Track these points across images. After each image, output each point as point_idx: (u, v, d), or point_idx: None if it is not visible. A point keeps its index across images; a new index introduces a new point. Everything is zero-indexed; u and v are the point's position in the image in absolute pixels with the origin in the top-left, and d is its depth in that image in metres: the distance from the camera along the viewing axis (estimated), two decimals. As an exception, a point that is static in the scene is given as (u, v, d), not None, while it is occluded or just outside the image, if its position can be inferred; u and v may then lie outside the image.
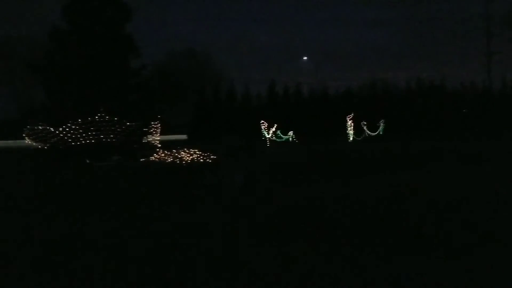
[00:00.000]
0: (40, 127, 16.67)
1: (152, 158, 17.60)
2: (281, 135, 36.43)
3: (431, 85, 50.43)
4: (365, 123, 38.97)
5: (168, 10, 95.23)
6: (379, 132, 39.70)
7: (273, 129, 35.29)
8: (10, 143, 36.16)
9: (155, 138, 19.31)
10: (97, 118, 16.18)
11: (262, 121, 34.72)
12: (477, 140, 28.09)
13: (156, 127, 18.83)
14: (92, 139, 16.34)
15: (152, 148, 18.78)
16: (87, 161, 16.30)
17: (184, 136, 43.26)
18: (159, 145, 19.21)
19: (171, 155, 17.59)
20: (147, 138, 18.94)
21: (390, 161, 16.48)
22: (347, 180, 11.29)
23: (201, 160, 16.63)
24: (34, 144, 17.36)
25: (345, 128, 37.05)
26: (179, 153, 17.80)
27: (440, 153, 19.36)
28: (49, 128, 16.38)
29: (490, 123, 41.00)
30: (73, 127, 16.09)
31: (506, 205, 7.92)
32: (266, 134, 34.65)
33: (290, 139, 36.58)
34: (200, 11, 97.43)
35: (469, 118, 44.97)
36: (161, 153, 18.10)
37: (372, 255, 5.05)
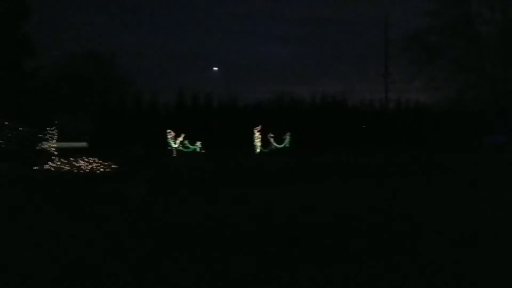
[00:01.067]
0: None
1: (46, 166, 16.49)
2: (188, 145, 36.09)
3: (334, 101, 53.14)
4: (272, 135, 39.92)
5: (74, 13, 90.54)
6: (285, 144, 40.90)
7: (180, 138, 34.87)
8: None
9: (51, 145, 18.16)
10: (-14, 123, 14.87)
11: (169, 130, 34.19)
12: (370, 155, 29.97)
13: (52, 133, 17.75)
14: (-22, 144, 14.95)
15: (47, 155, 17.64)
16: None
17: (84, 144, 41.06)
18: (56, 153, 18.09)
19: (68, 164, 16.64)
20: (42, 144, 17.78)
21: (290, 173, 17.05)
22: (248, 190, 11.44)
23: (101, 170, 15.91)
24: None
25: (253, 140, 37.71)
26: (77, 162, 16.89)
27: (337, 166, 20.41)
28: None
29: (386, 138, 44.09)
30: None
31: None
32: (173, 144, 34.15)
33: (198, 149, 36.36)
34: (107, 15, 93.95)
35: (368, 133, 48.00)
36: (57, 161, 17.06)
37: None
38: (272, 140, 39.75)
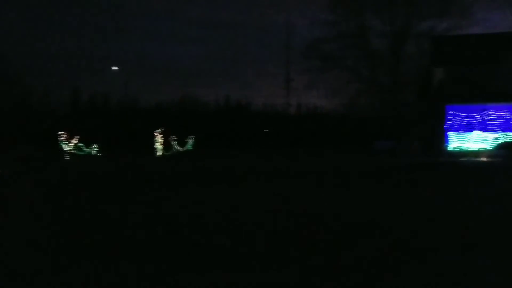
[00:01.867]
0: None
1: None
2: (83, 148, 34.06)
3: (238, 105, 53.78)
4: (174, 138, 39.12)
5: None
6: (188, 147, 40.33)
7: (75, 141, 32.80)
8: None
9: None
10: None
11: (61, 132, 31.98)
12: (270, 158, 30.55)
13: None
14: None
15: None
16: None
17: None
18: None
19: None
20: None
21: (186, 177, 16.68)
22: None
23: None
24: None
25: (153, 143, 36.63)
26: None
27: (233, 170, 20.41)
28: None
29: (287, 141, 45.46)
30: None
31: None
32: (66, 147, 31.99)
33: (93, 152, 34.45)
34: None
35: (270, 137, 49.13)
36: None
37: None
38: (174, 143, 38.97)
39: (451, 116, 31.01)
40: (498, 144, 29.23)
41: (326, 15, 40.38)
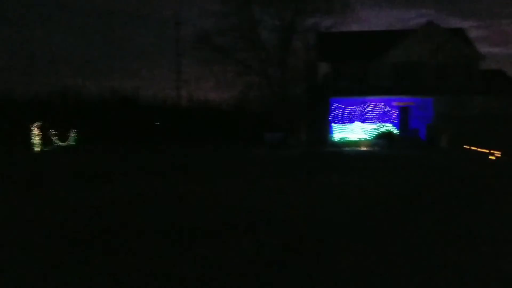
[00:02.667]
0: None
1: None
2: None
3: (125, 97, 51.31)
4: (55, 132, 36.11)
5: None
6: (70, 142, 37.55)
7: None
8: None
9: None
10: None
11: None
12: (162, 151, 29.65)
13: None
14: None
15: None
16: None
17: None
18: None
19: None
20: None
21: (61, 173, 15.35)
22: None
23: None
24: None
25: (30, 137, 33.40)
26: None
27: (115, 165, 19.34)
28: None
29: (179, 134, 44.48)
30: None
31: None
32: None
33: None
34: None
35: (161, 130, 47.68)
36: None
37: None
38: (54, 137, 35.95)
39: (334, 108, 32.79)
40: (375, 134, 31.58)
41: (216, 7, 40.08)
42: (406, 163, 19.99)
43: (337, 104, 32.86)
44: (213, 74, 40.79)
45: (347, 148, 29.67)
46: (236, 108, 49.61)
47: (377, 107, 32.88)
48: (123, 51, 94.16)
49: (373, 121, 32.54)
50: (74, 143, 37.51)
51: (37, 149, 33.08)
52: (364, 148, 29.69)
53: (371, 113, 32.84)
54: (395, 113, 32.94)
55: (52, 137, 35.48)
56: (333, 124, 32.55)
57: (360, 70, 34.45)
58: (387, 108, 32.88)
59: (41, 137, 33.93)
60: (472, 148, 26.65)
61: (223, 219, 8.39)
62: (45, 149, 33.71)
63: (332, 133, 32.40)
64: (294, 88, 41.75)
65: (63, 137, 36.66)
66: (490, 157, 21.20)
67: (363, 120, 32.67)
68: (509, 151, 23.71)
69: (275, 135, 35.86)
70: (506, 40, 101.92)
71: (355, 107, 32.85)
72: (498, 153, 21.97)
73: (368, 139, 31.36)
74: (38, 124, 33.64)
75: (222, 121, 48.48)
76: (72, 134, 37.76)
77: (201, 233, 7.29)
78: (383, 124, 32.02)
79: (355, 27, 39.75)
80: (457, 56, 32.98)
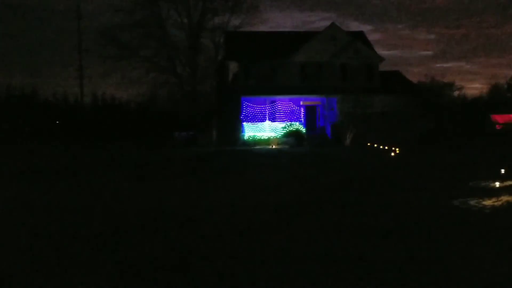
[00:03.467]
0: None
1: None
2: None
3: (22, 95, 47.47)
4: None
5: None
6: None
7: None
8: None
9: None
10: None
11: None
12: (60, 151, 27.71)
13: None
14: None
15: None
16: None
17: None
18: None
19: None
20: None
21: None
22: None
23: None
24: None
25: None
26: None
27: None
28: None
29: (82, 133, 41.94)
30: None
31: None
32: None
33: None
34: None
35: (62, 128, 44.70)
36: None
37: None
38: None
39: (245, 107, 32.98)
40: (285, 132, 32.28)
41: (121, 1, 38.26)
42: (315, 160, 20.59)
43: (248, 103, 33.09)
44: (119, 71, 38.97)
45: (258, 147, 29.99)
46: (144, 107, 48.02)
47: (286, 106, 33.63)
48: (22, 46, 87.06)
49: (282, 120, 33.23)
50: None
51: None
52: (274, 146, 30.21)
53: (281, 112, 33.52)
54: (303, 112, 33.94)
55: None
56: (244, 123, 32.72)
57: (269, 69, 35.00)
58: (295, 107, 33.75)
59: None
60: (374, 145, 28.23)
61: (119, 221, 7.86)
62: None
63: (244, 132, 32.55)
64: (205, 87, 41.32)
65: None
66: (392, 153, 22.56)
67: (273, 119, 33.23)
68: (406, 147, 25.49)
69: (185, 134, 35.23)
70: (401, 43, 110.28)
71: (265, 106, 33.30)
72: (397, 150, 23.46)
73: (278, 138, 31.96)
74: None
75: (129, 120, 46.65)
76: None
77: (88, 236, 6.73)
78: (292, 123, 32.82)
79: (262, 28, 40.21)
80: (359, 57, 34.82)
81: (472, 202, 9.76)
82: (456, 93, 57.35)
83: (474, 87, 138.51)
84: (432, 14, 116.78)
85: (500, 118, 50.93)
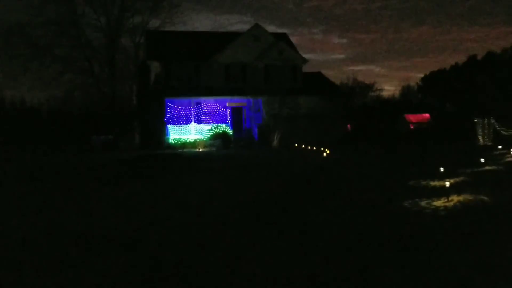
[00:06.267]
0: None
1: None
2: None
3: None
4: None
5: None
6: None
7: None
8: None
9: None
10: None
11: None
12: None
13: None
14: None
15: None
16: None
17: None
18: None
19: None
20: None
21: None
22: None
23: None
24: None
25: None
26: None
27: None
28: None
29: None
30: None
31: None
32: None
33: None
34: None
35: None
36: None
37: None
38: None
39: (169, 109, 31.72)
40: (211, 134, 31.47)
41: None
42: (248, 163, 20.05)
43: (172, 105, 31.85)
44: (31, 73, 35.78)
45: (183, 150, 28.90)
46: (60, 109, 44.84)
47: (212, 107, 32.84)
48: None
49: (208, 121, 32.40)
50: None
51: None
52: (200, 149, 29.31)
53: (206, 113, 32.67)
54: (229, 113, 33.35)
55: None
56: (168, 126, 31.43)
57: (193, 70, 34.01)
58: (221, 109, 33.08)
59: None
60: (302, 146, 28.33)
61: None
62: None
63: (168, 135, 31.26)
64: (125, 88, 39.28)
65: None
66: (323, 154, 22.63)
67: (199, 120, 32.29)
68: (334, 147, 25.81)
69: (104, 138, 33.20)
70: (315, 47, 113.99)
71: (190, 107, 32.27)
72: (327, 150, 23.61)
73: (204, 140, 31.07)
74: None
75: (43, 123, 43.34)
76: None
77: None
78: (218, 124, 32.09)
79: (182, 29, 38.95)
80: (283, 58, 34.92)
81: (423, 204, 9.67)
82: (375, 94, 60.07)
83: (386, 89, 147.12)
84: (344, 19, 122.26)
85: (413, 118, 54.06)
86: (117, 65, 37.90)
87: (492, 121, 31.07)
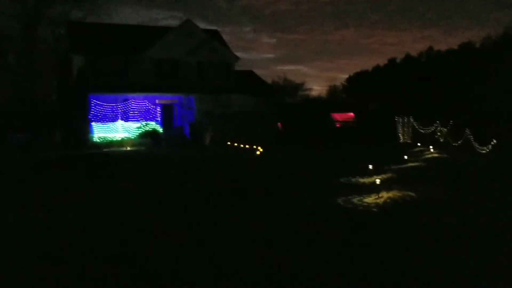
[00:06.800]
0: None
1: None
2: None
3: None
4: None
5: None
6: None
7: None
8: None
9: None
10: None
11: None
12: None
13: None
14: None
15: None
16: None
17: None
18: None
19: None
20: None
21: None
22: None
23: None
24: None
25: None
26: None
27: None
28: None
29: None
30: None
31: None
32: None
33: None
34: None
35: None
36: None
37: None
38: None
39: (94, 106, 30.21)
40: (140, 133, 30.41)
41: None
42: (179, 163, 19.55)
43: (97, 101, 30.32)
44: None
45: (110, 149, 27.60)
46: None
47: (140, 104, 31.72)
48: None
49: (137, 119, 31.27)
50: None
51: None
52: (128, 148, 28.17)
53: (135, 111, 31.49)
54: (159, 111, 32.43)
55: None
56: (93, 123, 29.88)
57: (121, 65, 32.62)
58: (151, 106, 32.06)
59: None
60: (235, 144, 28.21)
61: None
62: None
63: (93, 133, 29.72)
64: (46, 83, 36.91)
65: None
66: (257, 152, 22.63)
67: (127, 118, 31.05)
68: (266, 146, 25.94)
69: (20, 137, 30.88)
70: (246, 46, 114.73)
71: (117, 104, 30.94)
72: (260, 148, 23.66)
73: (132, 139, 29.93)
74: None
75: None
76: None
77: None
78: (148, 122, 31.06)
79: (109, 22, 37.27)
80: (215, 56, 34.55)
81: (355, 201, 9.88)
82: (305, 93, 61.52)
83: (314, 89, 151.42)
84: (274, 19, 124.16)
85: (339, 117, 55.96)
86: (35, 58, 35.51)
87: (411, 120, 32.92)
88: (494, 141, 21.67)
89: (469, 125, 25.11)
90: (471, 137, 23.77)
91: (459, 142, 25.13)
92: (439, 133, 29.55)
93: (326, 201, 9.94)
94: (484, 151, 21.97)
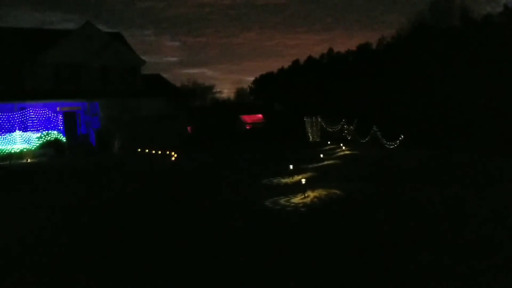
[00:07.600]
0: None
1: None
2: None
3: None
4: None
5: None
6: None
7: None
8: None
9: None
10: None
11: None
12: None
13: None
14: None
15: None
16: None
17: None
18: None
19: None
20: None
21: None
22: None
23: None
24: None
25: None
26: None
27: None
28: None
29: None
30: None
31: None
32: None
33: None
34: None
35: None
36: None
37: None
38: None
39: (-13, 116, 27.34)
40: (41, 143, 28.10)
41: None
42: (81, 175, 18.29)
43: (-10, 111, 27.47)
44: None
45: (8, 162, 25.14)
46: None
47: (40, 113, 29.26)
48: None
49: (37, 129, 28.81)
50: None
51: None
52: (29, 160, 25.88)
53: (34, 120, 29.00)
54: (61, 119, 30.19)
55: None
56: (-14, 135, 27.01)
57: (15, 71, 29.90)
58: (51, 114, 29.72)
59: None
60: (146, 151, 27.16)
61: None
62: None
63: (-14, 146, 26.83)
64: None
65: None
66: (172, 158, 21.96)
67: (25, 128, 28.48)
68: (178, 150, 25.30)
69: None
70: (148, 49, 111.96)
71: (13, 113, 28.26)
72: (174, 154, 23.00)
73: (33, 150, 27.51)
74: None
75: None
76: None
77: None
78: (49, 132, 28.74)
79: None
80: (120, 59, 33.01)
81: (283, 202, 9.86)
82: (214, 96, 61.30)
83: (223, 92, 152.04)
84: (175, 22, 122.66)
85: (248, 119, 56.70)
86: None
87: (319, 119, 34.26)
88: (402, 136, 23.08)
89: (376, 122, 26.61)
90: (379, 134, 25.14)
91: (366, 139, 26.56)
92: (346, 131, 31.07)
93: (255, 203, 9.85)
94: (392, 146, 23.33)
